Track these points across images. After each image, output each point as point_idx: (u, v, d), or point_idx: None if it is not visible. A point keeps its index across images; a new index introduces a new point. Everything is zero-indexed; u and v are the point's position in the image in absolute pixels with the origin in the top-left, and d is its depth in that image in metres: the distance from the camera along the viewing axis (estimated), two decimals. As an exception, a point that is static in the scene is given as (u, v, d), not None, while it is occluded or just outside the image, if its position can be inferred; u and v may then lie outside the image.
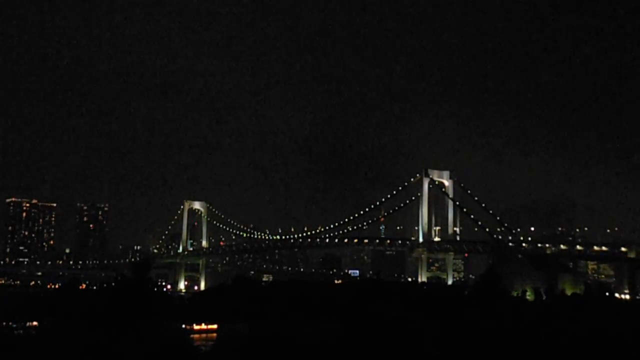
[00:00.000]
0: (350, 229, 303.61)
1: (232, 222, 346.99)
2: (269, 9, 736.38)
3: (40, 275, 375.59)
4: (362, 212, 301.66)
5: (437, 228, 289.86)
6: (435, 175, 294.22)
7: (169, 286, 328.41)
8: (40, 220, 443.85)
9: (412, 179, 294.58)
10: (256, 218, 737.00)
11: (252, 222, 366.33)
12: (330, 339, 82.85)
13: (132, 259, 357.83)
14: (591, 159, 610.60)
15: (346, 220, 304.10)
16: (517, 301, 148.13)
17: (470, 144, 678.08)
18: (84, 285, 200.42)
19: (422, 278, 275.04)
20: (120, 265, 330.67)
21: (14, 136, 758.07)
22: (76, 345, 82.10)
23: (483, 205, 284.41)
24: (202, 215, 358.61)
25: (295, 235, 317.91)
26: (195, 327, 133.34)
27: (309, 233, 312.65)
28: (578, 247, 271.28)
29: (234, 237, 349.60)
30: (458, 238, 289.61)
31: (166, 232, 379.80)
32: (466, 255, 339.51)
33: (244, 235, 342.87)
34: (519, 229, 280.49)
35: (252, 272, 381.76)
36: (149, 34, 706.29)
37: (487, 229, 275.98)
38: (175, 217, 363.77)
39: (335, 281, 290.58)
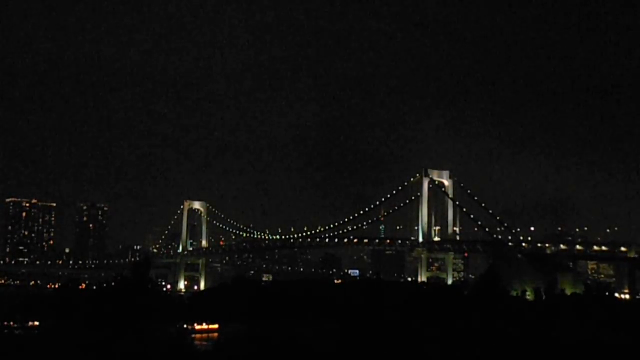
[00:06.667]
0: (350, 229, 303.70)
1: (232, 222, 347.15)
2: (269, 5, 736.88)
3: (40, 275, 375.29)
4: (362, 212, 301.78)
5: (437, 228, 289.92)
6: (435, 175, 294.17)
7: (169, 286, 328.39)
8: (40, 220, 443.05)
9: (412, 179, 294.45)
10: (256, 218, 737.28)
11: (252, 222, 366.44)
12: (330, 339, 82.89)
13: (132, 259, 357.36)
14: (591, 158, 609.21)
15: (346, 220, 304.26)
16: (517, 301, 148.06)
17: (470, 144, 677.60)
18: (84, 285, 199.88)
19: (422, 278, 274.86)
20: (120, 265, 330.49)
21: (14, 136, 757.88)
22: (76, 345, 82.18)
23: (483, 205, 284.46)
24: (202, 215, 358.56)
25: (295, 235, 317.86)
26: (197, 327, 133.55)
27: (309, 233, 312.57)
28: (578, 247, 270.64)
29: (234, 237, 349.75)
30: (458, 238, 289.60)
31: (166, 232, 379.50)
32: (466, 255, 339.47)
33: (244, 235, 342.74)
34: (519, 229, 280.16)
35: (252, 272, 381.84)
36: (147, 34, 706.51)
37: (487, 229, 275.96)
38: (175, 217, 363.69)
39: (335, 281, 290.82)
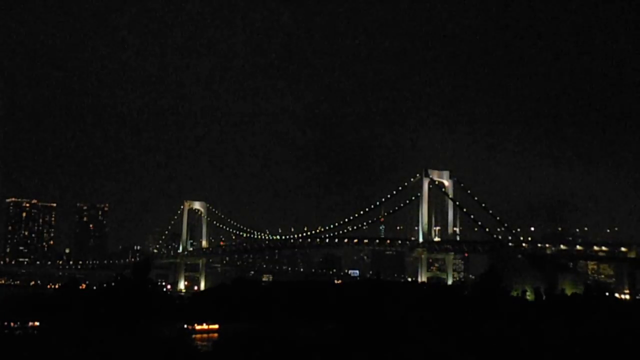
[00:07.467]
0: (350, 229, 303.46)
1: (232, 222, 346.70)
2: (268, 5, 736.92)
3: (40, 275, 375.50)
4: (362, 212, 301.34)
5: (437, 228, 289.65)
6: (435, 175, 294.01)
7: (169, 286, 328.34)
8: (40, 220, 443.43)
9: (412, 179, 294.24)
10: (256, 218, 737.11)
11: (252, 222, 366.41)
12: (330, 339, 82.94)
13: (132, 259, 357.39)
14: (591, 158, 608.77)
15: (346, 220, 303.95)
16: (517, 301, 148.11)
17: (470, 144, 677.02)
18: (84, 285, 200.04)
19: (422, 278, 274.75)
20: (120, 265, 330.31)
21: (14, 136, 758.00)
22: (76, 345, 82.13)
23: (483, 205, 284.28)
24: (202, 215, 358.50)
25: (295, 235, 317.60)
26: (197, 327, 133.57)
27: (309, 233, 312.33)
28: (578, 247, 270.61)
29: (234, 237, 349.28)
30: (458, 238, 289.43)
31: (166, 232, 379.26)
32: (466, 255, 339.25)
33: (244, 235, 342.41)
34: (519, 229, 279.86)
35: (252, 272, 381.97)
36: (148, 34, 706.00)
37: (487, 229, 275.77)
38: (175, 217, 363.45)
39: (335, 281, 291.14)
